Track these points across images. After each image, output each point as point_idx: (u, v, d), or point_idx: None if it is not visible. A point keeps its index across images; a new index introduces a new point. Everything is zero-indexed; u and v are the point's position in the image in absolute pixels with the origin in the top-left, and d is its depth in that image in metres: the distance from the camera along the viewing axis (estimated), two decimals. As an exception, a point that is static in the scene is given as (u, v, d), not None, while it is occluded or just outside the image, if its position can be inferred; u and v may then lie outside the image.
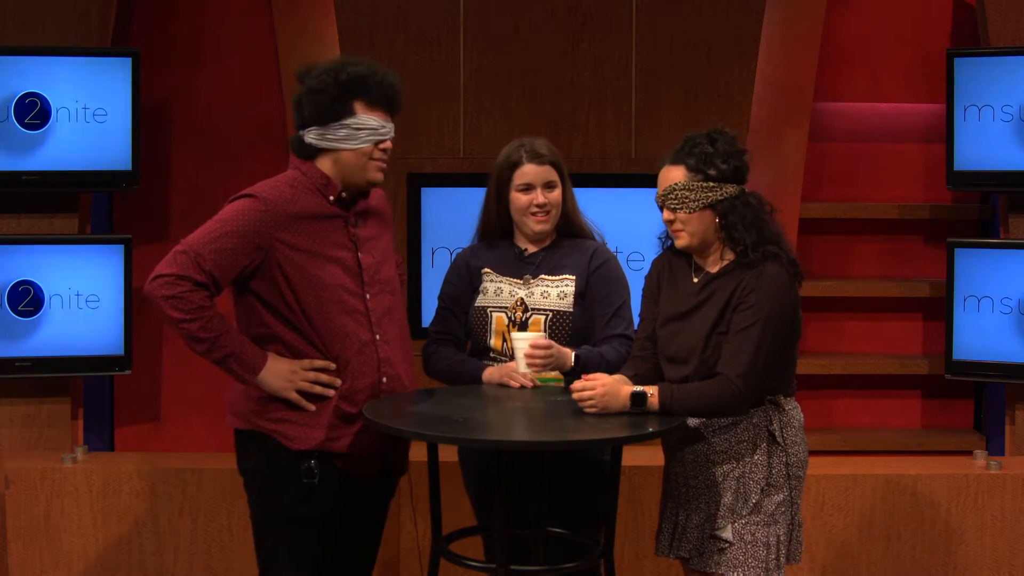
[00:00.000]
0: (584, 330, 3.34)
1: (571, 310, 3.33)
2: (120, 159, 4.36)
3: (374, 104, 3.11)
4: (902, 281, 4.87)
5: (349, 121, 3.09)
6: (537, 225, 3.36)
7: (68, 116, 4.32)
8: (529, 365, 3.24)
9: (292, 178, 3.14)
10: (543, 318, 3.33)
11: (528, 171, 3.35)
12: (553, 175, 3.36)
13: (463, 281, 3.44)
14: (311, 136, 3.11)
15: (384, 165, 3.17)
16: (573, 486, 3.33)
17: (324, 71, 3.11)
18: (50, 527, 4.20)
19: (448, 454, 3.25)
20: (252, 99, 4.82)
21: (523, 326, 3.33)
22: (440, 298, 3.48)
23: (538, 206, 3.35)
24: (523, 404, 3.16)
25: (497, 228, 3.44)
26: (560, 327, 3.32)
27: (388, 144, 3.15)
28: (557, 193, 3.37)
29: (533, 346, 3.22)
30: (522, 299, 3.35)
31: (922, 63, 4.89)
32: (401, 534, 4.23)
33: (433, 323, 3.48)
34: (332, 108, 3.08)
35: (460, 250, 3.55)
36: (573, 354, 3.26)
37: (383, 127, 3.13)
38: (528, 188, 3.35)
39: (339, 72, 3.09)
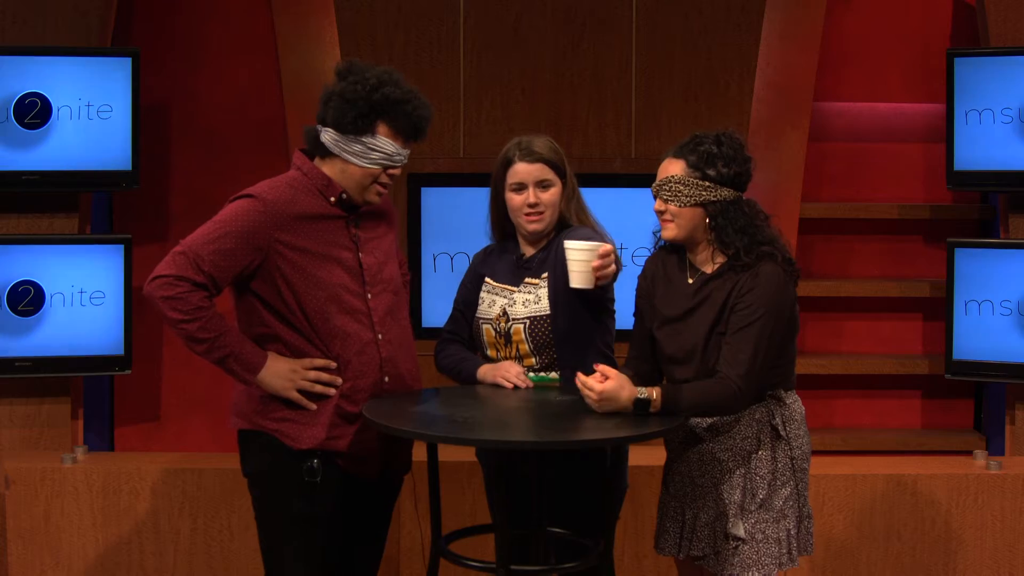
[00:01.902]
0: (566, 332, 3.25)
1: (548, 312, 3.27)
2: (120, 159, 4.36)
3: (398, 131, 3.08)
4: (902, 281, 4.87)
5: (367, 140, 3.07)
6: (530, 225, 3.29)
7: (69, 115, 4.32)
8: (598, 278, 2.98)
9: (293, 178, 3.14)
10: (522, 327, 3.29)
11: (519, 170, 3.28)
12: (548, 174, 3.28)
13: (473, 285, 3.43)
14: (326, 137, 3.10)
15: (385, 190, 3.15)
16: (574, 486, 3.33)
17: (361, 81, 3.05)
18: (50, 527, 4.20)
19: (448, 454, 3.25)
20: (252, 99, 4.82)
21: (507, 336, 3.31)
22: (455, 300, 3.48)
23: (530, 206, 3.27)
24: (523, 404, 3.16)
25: (499, 228, 3.41)
26: (540, 332, 3.28)
27: (397, 171, 3.14)
28: (552, 192, 3.29)
29: (602, 256, 2.96)
30: (504, 310, 3.32)
31: (922, 63, 4.89)
32: (401, 534, 4.23)
33: (447, 322, 3.48)
34: (355, 121, 3.05)
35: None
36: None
37: (398, 154, 3.10)
38: (520, 187, 3.28)
39: (375, 90, 3.03)
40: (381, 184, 3.13)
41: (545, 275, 3.29)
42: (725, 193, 3.04)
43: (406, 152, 3.13)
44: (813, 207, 4.84)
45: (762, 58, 4.69)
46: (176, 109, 4.81)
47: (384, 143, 3.07)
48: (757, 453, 3.04)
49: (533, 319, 3.27)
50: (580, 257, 2.89)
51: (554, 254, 3.28)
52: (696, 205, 3.04)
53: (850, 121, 4.97)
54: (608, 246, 2.93)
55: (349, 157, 3.08)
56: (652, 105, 4.72)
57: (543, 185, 3.28)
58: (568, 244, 2.95)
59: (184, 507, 4.21)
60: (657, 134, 4.69)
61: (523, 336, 3.28)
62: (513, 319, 3.30)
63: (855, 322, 4.92)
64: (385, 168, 3.10)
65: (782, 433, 3.04)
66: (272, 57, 4.74)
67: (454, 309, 3.46)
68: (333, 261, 3.11)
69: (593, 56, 4.72)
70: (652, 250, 3.24)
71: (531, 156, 3.28)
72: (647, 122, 4.72)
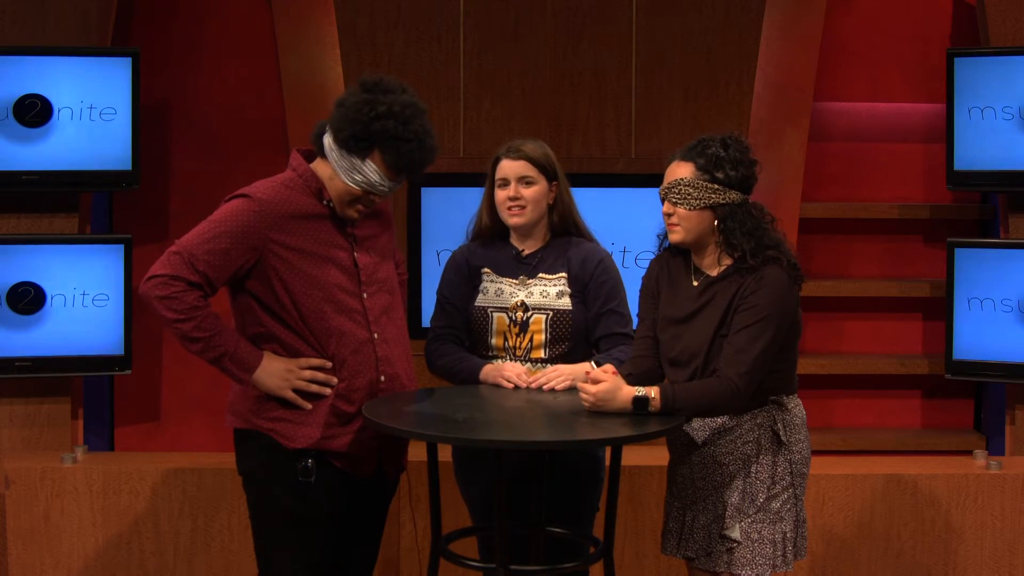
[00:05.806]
0: (583, 327, 3.35)
1: (570, 308, 3.34)
2: (120, 159, 4.36)
3: (389, 165, 3.06)
4: (902, 281, 4.87)
5: (356, 161, 3.06)
6: (511, 218, 3.37)
7: (69, 116, 4.32)
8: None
9: (288, 179, 3.14)
10: (544, 317, 3.33)
11: (504, 166, 3.38)
12: (530, 171, 3.36)
13: (461, 278, 3.45)
14: (327, 140, 3.10)
15: (365, 211, 3.14)
16: (570, 484, 3.33)
17: (372, 103, 3.02)
18: (50, 527, 4.20)
19: (447, 454, 3.25)
20: (252, 99, 4.82)
21: (524, 326, 3.34)
22: (439, 293, 3.49)
23: (510, 199, 3.35)
24: (522, 404, 3.16)
25: (490, 228, 3.45)
26: (560, 325, 3.33)
27: (378, 199, 3.13)
28: (534, 190, 3.36)
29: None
30: (522, 300, 3.36)
31: (922, 63, 4.89)
32: (401, 534, 4.23)
33: (434, 318, 3.49)
34: (350, 140, 3.04)
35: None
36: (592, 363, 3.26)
37: (382, 185, 3.08)
38: (504, 183, 3.37)
39: (378, 119, 3.01)
40: (362, 204, 3.12)
41: (562, 274, 3.37)
42: (733, 196, 3.04)
43: (393, 184, 3.10)
44: (813, 207, 4.84)
45: (762, 58, 4.69)
46: (176, 109, 4.82)
47: (371, 171, 3.06)
48: (758, 458, 3.04)
49: (557, 312, 3.34)
50: None
51: (572, 253, 3.38)
52: (705, 208, 3.04)
53: (850, 121, 4.97)
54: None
55: (337, 169, 3.09)
56: (652, 105, 4.72)
57: (525, 181, 3.36)
58: None
59: (184, 507, 4.21)
60: (657, 134, 4.69)
61: (542, 326, 3.32)
62: (534, 308, 3.34)
63: (855, 322, 4.92)
64: (367, 193, 3.10)
65: (783, 439, 3.04)
66: (272, 57, 4.74)
67: (441, 302, 3.48)
68: (328, 260, 3.11)
69: (593, 56, 4.71)
70: (657, 251, 3.25)
71: (515, 153, 3.38)
72: (647, 122, 4.72)
